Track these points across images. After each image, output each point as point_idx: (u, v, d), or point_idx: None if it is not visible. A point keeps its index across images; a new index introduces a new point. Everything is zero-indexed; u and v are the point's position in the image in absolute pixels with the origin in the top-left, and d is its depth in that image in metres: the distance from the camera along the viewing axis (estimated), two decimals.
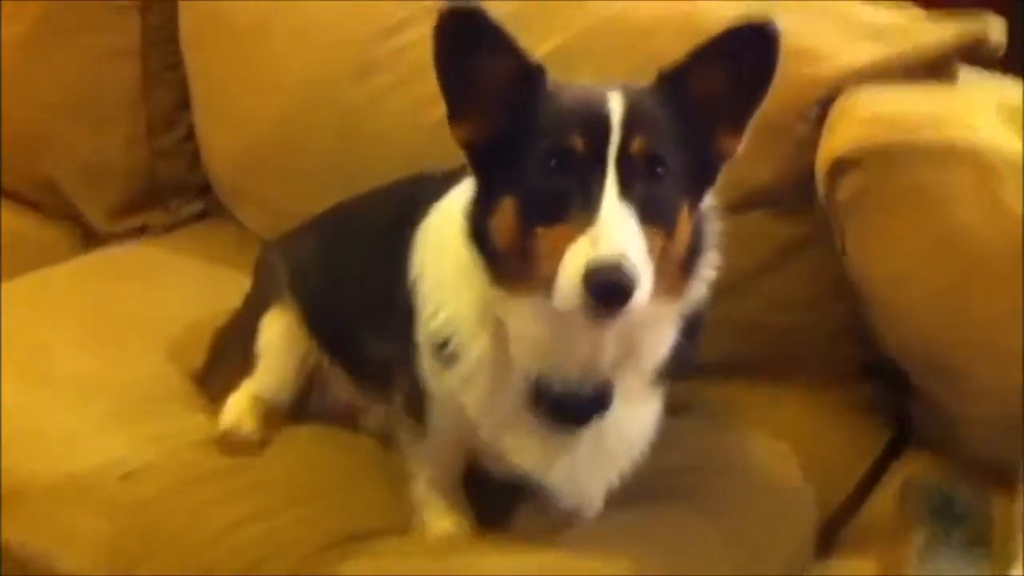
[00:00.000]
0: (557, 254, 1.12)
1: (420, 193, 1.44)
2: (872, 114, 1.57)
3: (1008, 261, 1.47)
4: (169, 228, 2.36)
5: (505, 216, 1.19)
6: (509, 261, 1.20)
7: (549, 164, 1.15)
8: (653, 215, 1.14)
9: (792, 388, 1.77)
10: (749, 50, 1.18)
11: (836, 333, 1.77)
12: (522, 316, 1.23)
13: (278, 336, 1.67)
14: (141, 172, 2.35)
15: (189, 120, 2.35)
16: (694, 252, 1.24)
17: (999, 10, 1.68)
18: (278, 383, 1.67)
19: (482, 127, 1.21)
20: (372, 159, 2.01)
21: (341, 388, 1.67)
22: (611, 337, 1.22)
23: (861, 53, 1.65)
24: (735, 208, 1.41)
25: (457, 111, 1.22)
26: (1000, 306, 1.48)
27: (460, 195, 1.31)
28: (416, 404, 1.44)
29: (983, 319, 1.50)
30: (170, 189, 2.38)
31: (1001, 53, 1.66)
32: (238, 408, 1.65)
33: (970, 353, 1.53)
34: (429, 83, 1.93)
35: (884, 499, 1.56)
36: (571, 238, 1.10)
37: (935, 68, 1.66)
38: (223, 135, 2.28)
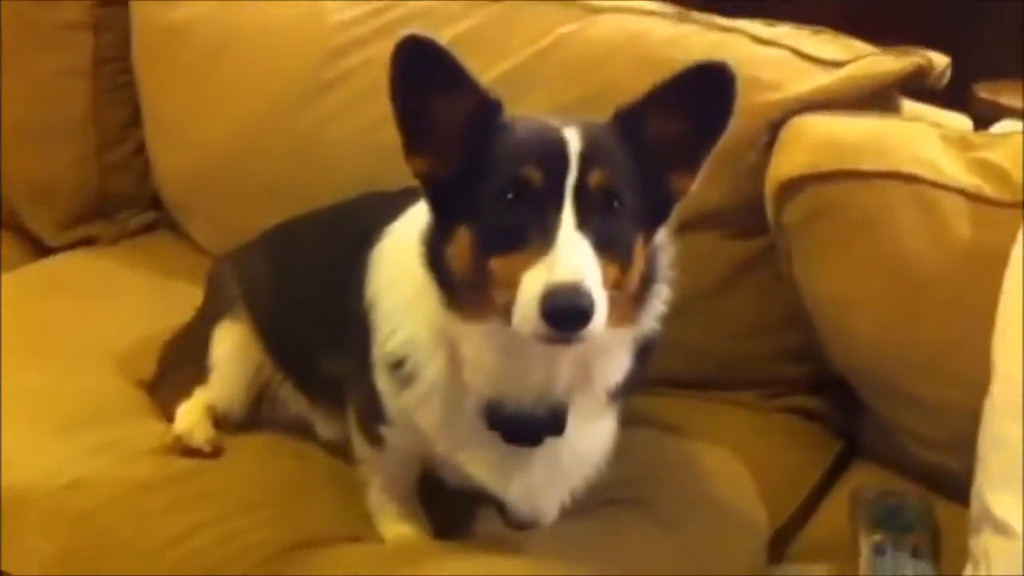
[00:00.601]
0: (513, 281, 1.12)
1: (373, 212, 1.45)
2: (818, 140, 1.62)
3: (953, 286, 1.52)
4: (117, 240, 2.34)
5: (460, 245, 1.20)
6: (464, 288, 1.21)
7: (506, 195, 1.16)
8: (608, 247, 1.15)
9: (742, 402, 1.81)
10: (706, 91, 1.19)
11: (785, 352, 1.81)
12: (476, 342, 1.24)
13: (231, 348, 1.67)
14: (90, 186, 2.33)
15: (139, 136, 2.34)
16: (648, 283, 1.26)
17: (940, 48, 1.74)
18: (230, 394, 1.67)
19: (438, 160, 1.22)
20: (323, 181, 2.01)
21: (293, 400, 1.68)
22: (565, 364, 1.24)
23: (808, 81, 1.71)
24: (687, 228, 1.45)
25: (413, 144, 1.22)
26: (946, 330, 1.53)
27: (414, 217, 1.33)
28: (370, 420, 1.45)
29: (929, 343, 1.55)
30: (119, 202, 2.37)
31: (943, 85, 1.73)
32: (190, 416, 1.64)
33: (916, 375, 1.58)
34: (377, 106, 1.96)
35: (834, 509, 1.59)
36: (527, 265, 1.11)
37: (880, 98, 1.72)
38: (174, 155, 2.28)
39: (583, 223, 1.13)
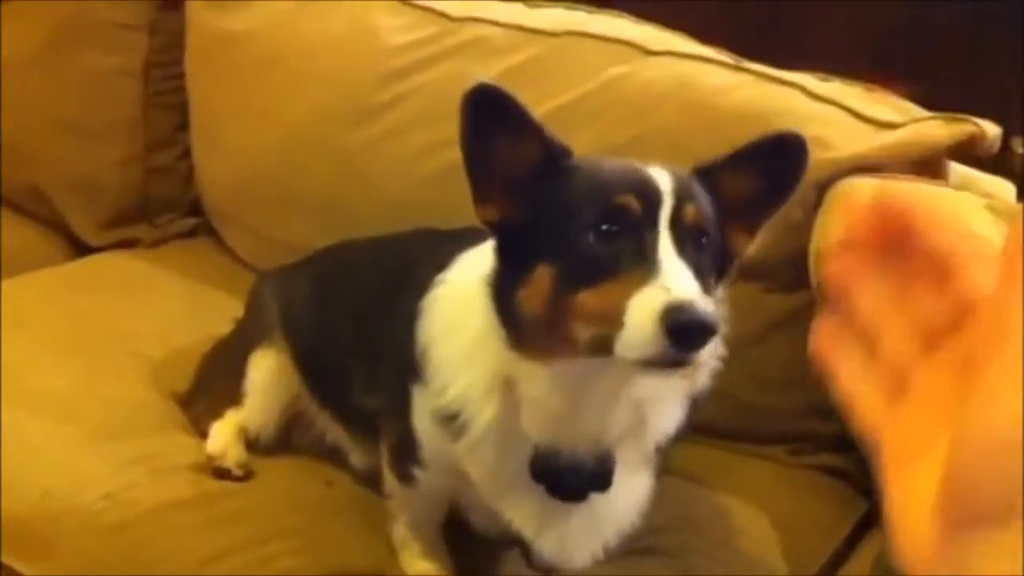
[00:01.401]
0: (608, 312, 1.09)
1: (424, 253, 1.45)
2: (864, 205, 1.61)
3: None
4: (157, 243, 2.36)
5: (539, 285, 1.16)
6: (536, 328, 1.18)
7: (600, 227, 1.12)
8: (702, 281, 1.12)
9: (769, 456, 1.81)
10: (779, 159, 1.19)
11: (815, 408, 1.81)
12: (539, 382, 1.22)
13: (267, 375, 1.68)
14: (134, 188, 2.36)
15: (186, 140, 2.37)
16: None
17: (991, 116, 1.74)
18: (265, 419, 1.69)
19: (507, 206, 1.19)
20: (365, 202, 2.04)
21: (329, 429, 1.69)
22: (622, 409, 1.23)
23: (860, 143, 1.71)
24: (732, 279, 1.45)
25: (481, 192, 1.20)
26: None
27: (469, 266, 1.32)
28: (402, 459, 1.45)
29: None
30: (161, 205, 2.39)
31: (993, 153, 1.72)
32: (224, 437, 1.65)
33: None
34: (427, 132, 2.02)
35: (857, 572, 1.58)
36: (628, 292, 1.07)
37: (927, 164, 1.71)
38: (218, 163, 2.30)
39: (680, 252, 1.11)
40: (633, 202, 1.12)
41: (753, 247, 1.26)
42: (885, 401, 0.57)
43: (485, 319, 1.23)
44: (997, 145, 1.73)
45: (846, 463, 1.82)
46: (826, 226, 1.61)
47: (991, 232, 1.59)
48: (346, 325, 1.59)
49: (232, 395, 1.69)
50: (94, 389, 1.78)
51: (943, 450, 0.48)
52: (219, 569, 1.44)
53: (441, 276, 1.36)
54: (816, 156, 1.67)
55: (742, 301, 1.69)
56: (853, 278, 0.62)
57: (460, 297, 1.29)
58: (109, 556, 1.48)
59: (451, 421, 1.30)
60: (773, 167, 1.20)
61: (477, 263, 1.28)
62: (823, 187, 1.67)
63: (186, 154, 2.37)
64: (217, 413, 1.68)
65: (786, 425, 1.84)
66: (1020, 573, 0.45)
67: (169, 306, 2.09)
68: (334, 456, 1.69)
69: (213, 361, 1.80)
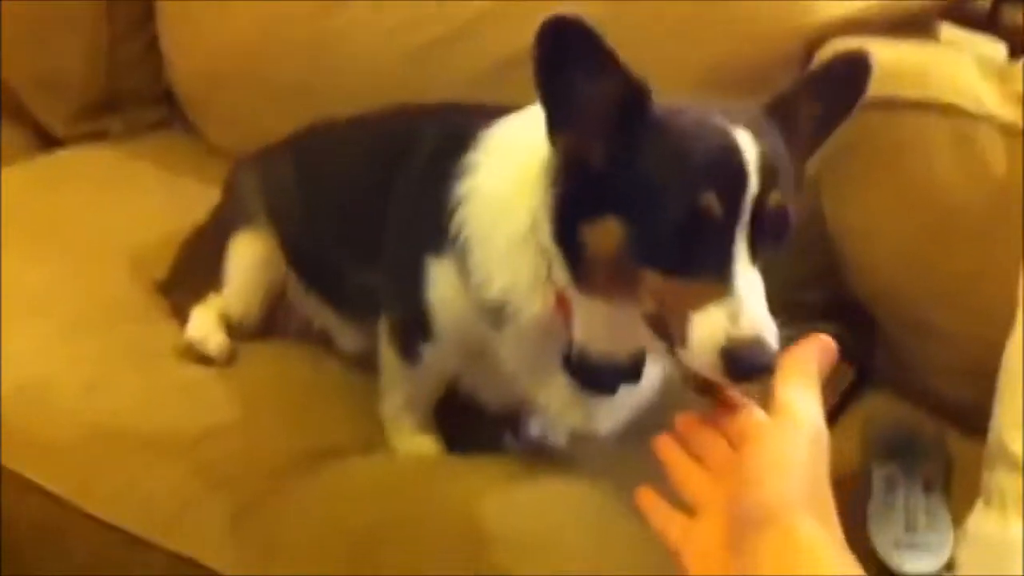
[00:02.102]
0: (673, 308, 1.04)
1: (426, 126, 1.40)
2: None
3: (981, 216, 1.50)
4: (128, 135, 2.30)
5: (608, 238, 1.09)
6: (596, 270, 1.12)
7: (675, 217, 1.03)
8: (770, 250, 1.06)
9: None
10: (845, 80, 1.13)
11: (802, 278, 1.79)
12: (593, 315, 1.19)
13: (250, 259, 1.65)
14: (100, 79, 2.28)
15: (152, 30, 2.29)
16: None
17: None
18: (247, 305, 1.66)
19: (583, 143, 1.10)
20: (344, 82, 1.99)
21: (315, 312, 1.67)
22: None
23: (846, 5, 1.66)
24: None
25: (556, 123, 1.10)
26: (970, 260, 1.52)
27: (505, 152, 1.26)
28: (410, 335, 1.42)
29: (953, 273, 1.53)
30: (130, 96, 2.32)
31: (984, 12, 1.68)
32: (204, 322, 1.63)
33: (938, 305, 1.57)
34: (404, 7, 1.96)
35: (846, 437, 1.58)
36: (697, 300, 1.01)
37: (917, 24, 1.68)
38: (189, 52, 2.24)
39: (757, 249, 1.04)
40: (715, 205, 1.02)
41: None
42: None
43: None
44: (987, 5, 1.70)
45: (834, 331, 1.80)
46: None
47: (980, 89, 1.56)
48: (339, 203, 1.56)
49: (212, 281, 1.66)
50: (72, 282, 1.76)
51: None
52: (204, 453, 1.43)
53: (473, 159, 1.28)
54: (803, 20, 1.66)
55: None
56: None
57: (503, 190, 1.23)
58: (94, 445, 1.46)
59: (496, 312, 1.26)
60: (837, 87, 1.13)
61: (512, 148, 1.23)
62: (810, 52, 1.64)
63: (153, 44, 2.30)
64: (197, 298, 1.66)
65: (776, 296, 1.82)
66: (780, 552, 0.77)
67: (144, 197, 2.05)
68: (316, 340, 1.67)
69: (192, 247, 1.77)
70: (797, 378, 0.88)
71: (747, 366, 0.98)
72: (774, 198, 1.03)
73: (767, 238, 1.04)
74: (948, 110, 1.51)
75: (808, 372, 0.90)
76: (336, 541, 1.33)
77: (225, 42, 2.14)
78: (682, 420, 0.99)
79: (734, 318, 1.00)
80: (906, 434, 1.53)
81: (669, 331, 1.05)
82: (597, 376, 1.27)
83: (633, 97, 1.07)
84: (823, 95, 1.13)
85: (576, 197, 1.12)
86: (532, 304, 1.24)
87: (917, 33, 1.66)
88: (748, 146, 1.03)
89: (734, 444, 0.91)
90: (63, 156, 2.24)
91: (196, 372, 1.58)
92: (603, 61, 1.06)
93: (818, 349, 0.92)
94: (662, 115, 1.07)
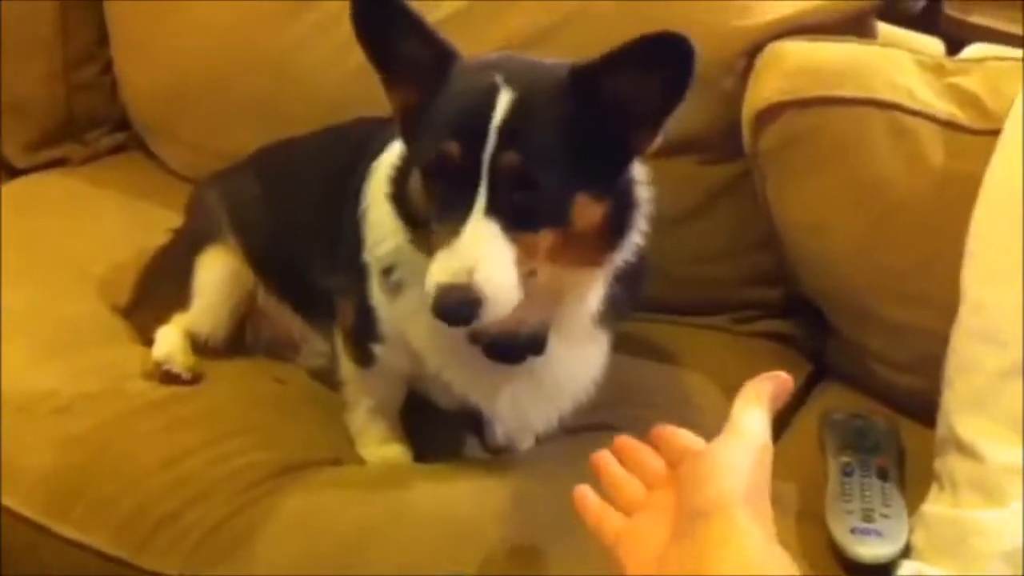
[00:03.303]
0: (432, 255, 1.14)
1: (372, 132, 1.46)
2: (795, 66, 1.63)
3: (924, 211, 1.54)
4: (87, 160, 2.32)
5: (415, 189, 1.22)
6: (421, 225, 1.22)
7: (432, 164, 1.17)
8: (531, 221, 1.14)
9: (715, 326, 1.85)
10: (664, 60, 1.13)
11: (758, 276, 1.84)
12: None
13: (218, 275, 1.68)
14: (57, 106, 2.29)
15: (107, 55, 2.31)
16: (612, 225, 1.23)
17: None
18: (214, 321, 1.68)
19: (406, 95, 1.23)
20: (297, 101, 2.01)
21: (284, 324, 1.69)
22: (533, 298, 1.21)
23: (785, 6, 1.71)
24: (662, 154, 1.44)
25: (387, 80, 1.24)
26: (915, 253, 1.56)
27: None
28: (360, 337, 1.46)
29: (898, 266, 1.58)
30: (88, 122, 2.33)
31: (918, 10, 1.73)
32: (170, 342, 1.65)
33: (884, 298, 1.61)
34: (348, 28, 1.97)
35: (803, 431, 1.62)
36: (441, 244, 1.13)
37: (855, 23, 1.72)
38: (144, 74, 2.25)
39: (498, 201, 1.12)
40: (455, 149, 1.14)
41: (658, 143, 1.21)
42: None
43: None
44: (920, 3, 1.75)
45: (790, 328, 1.86)
46: (757, 90, 1.62)
47: (917, 85, 1.61)
48: (300, 214, 1.60)
49: (177, 300, 1.68)
50: (39, 308, 1.76)
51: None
52: (178, 471, 1.44)
53: (390, 145, 1.37)
54: (743, 22, 1.70)
55: (679, 175, 1.72)
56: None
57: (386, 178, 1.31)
58: (68, 466, 1.47)
59: (388, 275, 1.34)
60: (661, 69, 1.14)
61: None
62: (751, 54, 1.68)
63: (109, 68, 2.31)
64: (162, 319, 1.68)
65: (730, 294, 1.87)
66: (721, 534, 0.88)
67: (106, 223, 2.06)
68: (287, 354, 1.70)
69: (154, 269, 1.79)
70: (751, 401, 1.00)
71: (450, 309, 1.10)
72: (509, 157, 1.13)
73: (506, 195, 1.13)
74: (887, 106, 1.56)
75: (761, 397, 1.00)
76: (314, 551, 1.35)
77: (178, 64, 2.17)
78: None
79: (446, 264, 1.11)
80: (860, 425, 1.57)
81: None
82: (496, 344, 1.31)
83: (442, 58, 1.20)
84: (641, 71, 1.14)
85: (406, 157, 1.25)
86: (419, 270, 1.26)
87: (856, 32, 1.71)
88: (502, 105, 1.13)
89: (672, 462, 1.03)
90: (23, 184, 2.25)
91: (164, 392, 1.59)
92: (412, 26, 1.20)
93: (775, 382, 1.02)
94: (459, 72, 1.20)
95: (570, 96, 1.17)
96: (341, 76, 1.96)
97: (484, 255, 1.11)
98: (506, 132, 1.13)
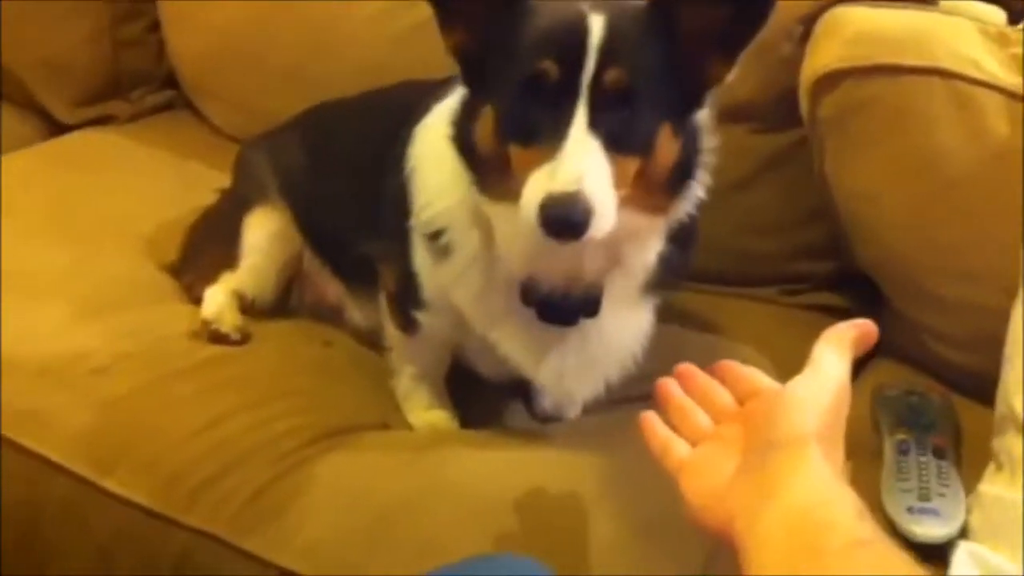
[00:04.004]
0: (526, 175, 1.12)
1: (419, 95, 1.43)
2: (855, 33, 1.59)
3: (985, 184, 1.50)
4: (133, 118, 2.32)
5: (485, 125, 1.20)
6: (490, 168, 1.21)
7: (524, 86, 1.15)
8: (626, 143, 1.14)
9: (764, 298, 1.82)
10: None
11: (809, 247, 1.81)
12: (505, 222, 1.23)
13: (265, 236, 1.67)
14: (104, 64, 2.30)
15: (153, 12, 2.30)
16: (682, 169, 1.23)
17: None
18: (262, 281, 1.68)
19: (468, 35, 1.21)
20: (338, 64, 2.01)
21: (328, 287, 1.68)
22: (593, 249, 1.22)
23: None
24: (717, 121, 1.43)
25: (445, 17, 1.21)
26: (975, 229, 1.52)
27: (458, 98, 1.31)
28: (403, 304, 1.45)
29: (957, 241, 1.54)
30: (134, 79, 2.34)
31: None
32: (218, 301, 1.64)
33: (942, 273, 1.57)
34: None
35: (855, 406, 1.57)
36: (537, 163, 1.11)
37: None
38: (188, 35, 2.25)
39: (597, 120, 1.12)
40: (552, 67, 1.13)
41: (734, 74, 1.22)
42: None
43: None
44: None
45: (840, 300, 1.82)
46: (817, 56, 1.59)
47: (980, 55, 1.56)
48: (343, 176, 1.59)
49: (225, 259, 1.67)
50: (84, 267, 1.77)
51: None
52: (218, 434, 1.43)
53: (436, 106, 1.36)
54: None
55: (731, 144, 1.66)
56: None
57: (446, 124, 1.28)
58: (106, 427, 1.47)
59: (435, 240, 1.32)
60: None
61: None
62: (810, 19, 1.64)
63: (155, 26, 2.31)
64: (210, 278, 1.67)
65: (780, 267, 1.84)
66: (795, 468, 0.87)
67: (152, 181, 2.06)
68: (333, 317, 1.69)
69: (203, 228, 1.78)
70: (833, 344, 1.00)
71: (559, 219, 1.08)
72: (611, 75, 1.12)
73: (608, 107, 1.12)
74: (950, 76, 1.51)
75: (843, 341, 1.00)
76: (355, 515, 1.34)
77: (222, 25, 2.16)
78: (685, 369, 1.10)
79: (553, 175, 1.09)
80: (916, 402, 1.53)
81: None
82: (551, 304, 1.30)
83: None
84: (723, 2, 1.15)
85: (469, 101, 1.23)
86: (471, 234, 1.29)
87: (918, 0, 1.66)
88: (595, 27, 1.13)
89: (741, 399, 1.03)
90: (70, 140, 2.25)
91: (210, 352, 1.59)
92: None
93: (859, 328, 1.02)
94: (534, 6, 1.18)
95: (652, 23, 1.17)
96: (382, 40, 1.98)
97: (590, 167, 1.10)
98: (606, 50, 1.13)
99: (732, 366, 1.07)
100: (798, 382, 0.96)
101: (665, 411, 1.08)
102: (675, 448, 1.02)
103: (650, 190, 1.20)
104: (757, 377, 1.04)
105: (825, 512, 0.84)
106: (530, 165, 1.11)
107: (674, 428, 1.05)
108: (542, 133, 1.12)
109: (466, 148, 1.24)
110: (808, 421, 0.92)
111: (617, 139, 1.13)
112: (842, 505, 0.85)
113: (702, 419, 1.04)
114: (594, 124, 1.11)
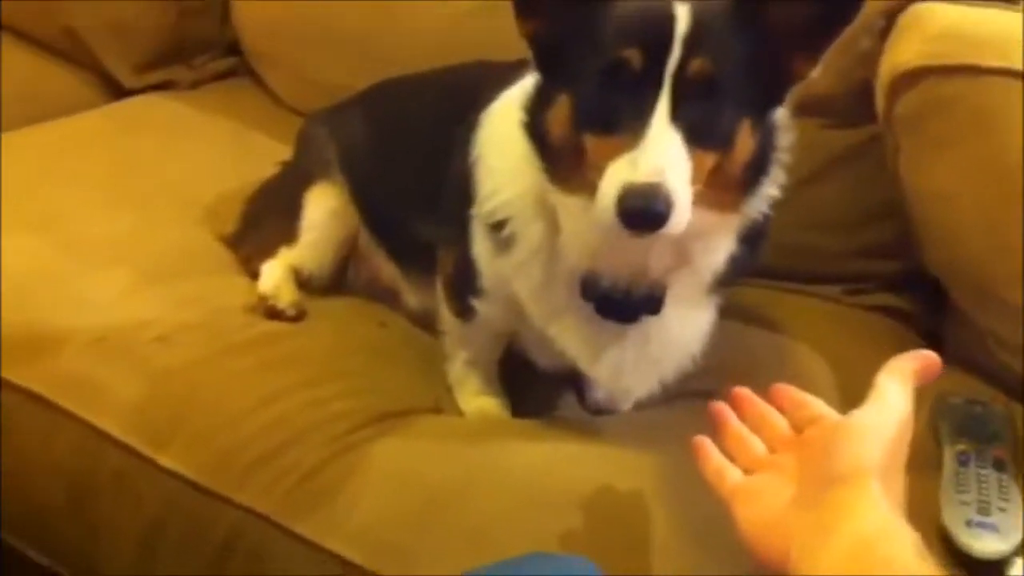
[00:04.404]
0: (602, 165, 1.10)
1: (484, 79, 1.41)
2: (938, 31, 1.54)
3: None
4: (195, 84, 2.32)
5: (560, 113, 1.17)
6: (562, 158, 1.18)
7: (605, 74, 1.12)
8: (706, 137, 1.12)
9: (827, 296, 1.79)
10: None
11: (875, 247, 1.78)
12: (573, 214, 1.21)
13: (325, 212, 1.66)
14: (167, 29, 2.30)
15: None
16: (757, 167, 1.21)
17: None
18: (320, 258, 1.67)
19: (545, 21, 1.18)
20: (400, 40, 2.00)
21: (383, 268, 1.67)
22: (661, 246, 1.20)
23: None
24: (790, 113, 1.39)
25: (522, 3, 1.18)
26: None
27: (528, 84, 1.28)
28: (460, 291, 1.44)
29: (1020, 248, 1.49)
30: (197, 46, 2.34)
31: None
32: (276, 276, 1.64)
33: (1011, 279, 1.53)
34: None
35: (915, 413, 1.56)
36: (616, 153, 1.08)
37: None
38: (254, 2, 2.24)
39: (679, 112, 1.09)
40: (636, 56, 1.10)
41: (817, 71, 1.20)
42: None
43: None
44: None
45: (903, 303, 1.79)
46: (897, 52, 1.55)
47: None
48: (407, 155, 1.57)
49: (284, 234, 1.67)
50: (143, 234, 1.77)
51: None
52: (274, 410, 1.42)
53: (504, 93, 1.34)
54: None
55: (802, 138, 1.62)
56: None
57: (515, 111, 1.26)
58: (161, 397, 1.46)
59: (498, 230, 1.30)
60: None
61: (530, 83, 1.25)
62: (892, 14, 1.60)
63: None
64: (268, 252, 1.67)
65: (844, 265, 1.80)
66: (853, 505, 0.87)
67: (212, 149, 2.06)
68: (387, 298, 1.67)
69: (263, 201, 1.78)
70: (896, 375, 0.99)
71: (639, 211, 1.05)
72: (696, 66, 1.10)
73: (691, 99, 1.10)
74: None
75: (906, 372, 1.00)
76: (405, 499, 1.33)
77: None
78: (741, 394, 1.10)
79: (634, 165, 1.06)
80: (978, 412, 1.50)
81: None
82: (613, 299, 1.28)
83: None
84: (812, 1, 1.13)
85: (544, 89, 1.20)
86: (535, 225, 1.27)
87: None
88: (681, 17, 1.11)
89: (798, 426, 1.03)
90: (132, 105, 2.25)
91: (267, 327, 1.58)
92: None
93: (922, 360, 1.01)
94: None
95: (738, 17, 1.15)
96: (447, 18, 1.96)
97: (672, 159, 1.08)
98: (692, 41, 1.10)
99: (789, 391, 1.06)
100: (861, 414, 0.95)
101: (720, 437, 1.07)
102: (729, 475, 1.02)
103: (725, 187, 1.17)
104: (815, 404, 1.03)
105: (886, 549, 0.84)
106: (607, 155, 1.09)
107: (728, 455, 1.05)
108: (621, 123, 1.09)
109: (538, 136, 1.21)
110: (869, 455, 0.91)
111: (698, 132, 1.10)
112: (902, 543, 0.84)
113: (757, 446, 1.04)
114: (676, 115, 1.09)
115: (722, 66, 1.12)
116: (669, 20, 1.11)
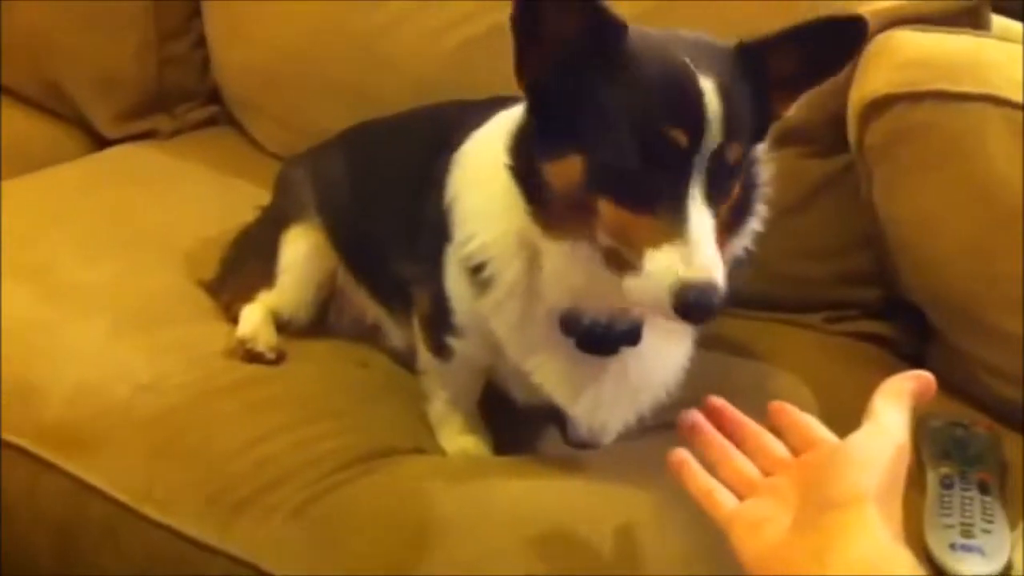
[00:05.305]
0: (628, 241, 1.09)
1: (458, 118, 1.41)
2: (907, 58, 1.56)
3: None
4: (176, 133, 2.33)
5: (569, 171, 1.13)
6: (557, 208, 1.16)
7: (635, 145, 1.09)
8: (722, 202, 1.13)
9: (809, 324, 1.79)
10: (837, 41, 1.16)
11: (855, 275, 1.78)
12: (559, 257, 1.20)
13: (302, 254, 1.66)
14: (149, 78, 2.30)
15: (199, 28, 2.31)
16: (742, 206, 1.21)
17: None
18: (298, 300, 1.67)
19: (547, 72, 1.13)
20: (386, 83, 2.00)
21: (365, 308, 1.67)
22: None
23: None
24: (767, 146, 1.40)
25: (524, 50, 1.12)
26: None
27: (502, 123, 1.27)
28: (437, 330, 1.43)
29: (1009, 272, 1.50)
30: (178, 95, 2.34)
31: None
32: (254, 320, 1.63)
33: (996, 305, 1.54)
34: (443, 11, 1.96)
35: None
36: (651, 237, 1.07)
37: (969, 14, 1.65)
38: (235, 51, 2.25)
39: (710, 191, 1.09)
40: (681, 137, 1.08)
41: (793, 109, 1.21)
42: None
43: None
44: None
45: (885, 329, 1.79)
46: (867, 81, 1.56)
47: None
48: (382, 196, 1.57)
49: (262, 277, 1.67)
50: (123, 282, 1.76)
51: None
52: (260, 452, 1.42)
53: (475, 133, 1.33)
54: (856, 9, 1.62)
55: (781, 168, 1.63)
56: None
57: (490, 151, 1.24)
58: (147, 447, 1.46)
59: (476, 273, 1.30)
60: (826, 44, 1.15)
61: (511, 121, 1.24)
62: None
63: (200, 42, 2.31)
64: (247, 296, 1.67)
65: (825, 293, 1.81)
66: (852, 531, 0.87)
67: (194, 197, 2.05)
68: (368, 338, 1.67)
69: (241, 245, 1.78)
70: (891, 397, 0.99)
71: (698, 307, 1.05)
72: (734, 151, 1.10)
73: (722, 179, 1.10)
74: (1005, 104, 1.48)
75: (902, 395, 0.99)
76: (392, 539, 1.33)
77: (271, 42, 2.15)
78: (713, 401, 1.12)
79: (688, 260, 1.05)
80: (960, 435, 1.51)
81: (622, 264, 1.10)
82: (592, 332, 1.27)
83: (606, 30, 1.11)
84: (807, 50, 1.15)
85: (542, 137, 1.16)
86: (513, 264, 1.26)
87: (970, 24, 1.63)
88: (710, 93, 1.08)
89: (797, 449, 1.02)
90: (113, 154, 2.26)
91: (250, 371, 1.58)
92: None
93: (917, 382, 1.01)
94: (634, 50, 1.12)
95: (743, 70, 1.14)
96: (432, 59, 1.96)
97: (716, 251, 1.08)
98: (726, 124, 1.09)
99: (786, 410, 1.05)
100: (857, 438, 0.95)
101: (699, 446, 1.07)
102: (721, 498, 1.01)
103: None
104: (813, 426, 1.02)
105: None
106: (640, 233, 1.07)
107: (710, 468, 1.04)
108: (653, 203, 1.07)
109: (531, 185, 1.18)
110: (866, 480, 0.90)
111: (718, 202, 1.11)
112: (901, 569, 0.84)
113: (745, 465, 1.03)
114: (707, 195, 1.08)
115: (746, 144, 1.14)
116: (700, 97, 1.08)
